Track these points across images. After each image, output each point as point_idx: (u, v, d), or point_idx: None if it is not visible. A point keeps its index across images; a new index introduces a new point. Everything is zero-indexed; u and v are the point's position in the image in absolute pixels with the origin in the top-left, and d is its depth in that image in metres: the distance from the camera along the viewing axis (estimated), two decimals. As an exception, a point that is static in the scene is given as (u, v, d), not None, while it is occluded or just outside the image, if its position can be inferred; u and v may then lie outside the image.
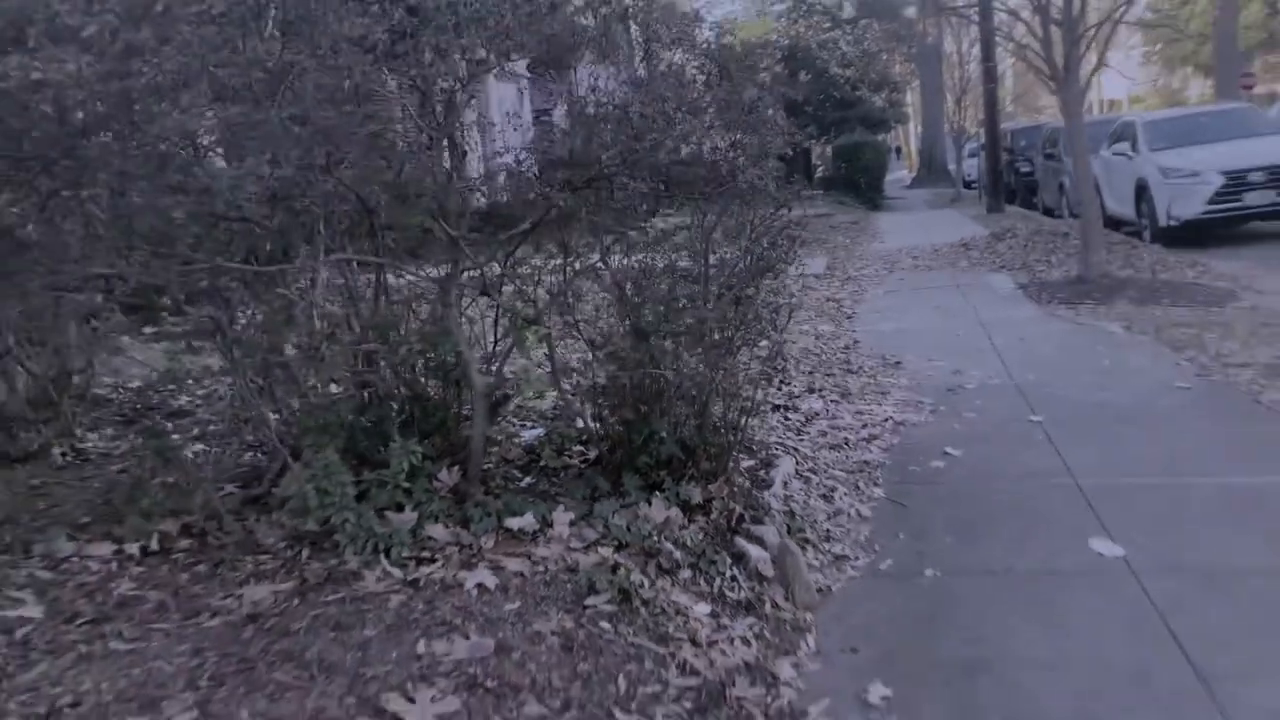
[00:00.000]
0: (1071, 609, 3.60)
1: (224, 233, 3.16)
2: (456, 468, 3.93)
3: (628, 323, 3.98)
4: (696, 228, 4.06)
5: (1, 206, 2.58)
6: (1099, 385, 6.51)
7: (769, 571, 3.80)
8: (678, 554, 3.66)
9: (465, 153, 3.89)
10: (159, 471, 3.65)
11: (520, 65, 6.34)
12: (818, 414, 6.10)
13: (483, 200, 3.79)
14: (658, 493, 3.95)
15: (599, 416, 4.30)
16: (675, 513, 3.88)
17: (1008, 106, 41.25)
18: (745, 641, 3.34)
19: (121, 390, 6.15)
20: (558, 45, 4.09)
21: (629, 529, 3.68)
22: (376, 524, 3.43)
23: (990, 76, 22.28)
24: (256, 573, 3.27)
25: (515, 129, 4.17)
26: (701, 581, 3.63)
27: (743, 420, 4.40)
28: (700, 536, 3.83)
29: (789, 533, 4.08)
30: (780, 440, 5.32)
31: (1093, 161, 14.59)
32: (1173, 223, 13.40)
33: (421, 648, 2.83)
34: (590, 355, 4.15)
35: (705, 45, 4.58)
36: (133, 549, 3.39)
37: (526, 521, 3.65)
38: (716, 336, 4.12)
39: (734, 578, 3.69)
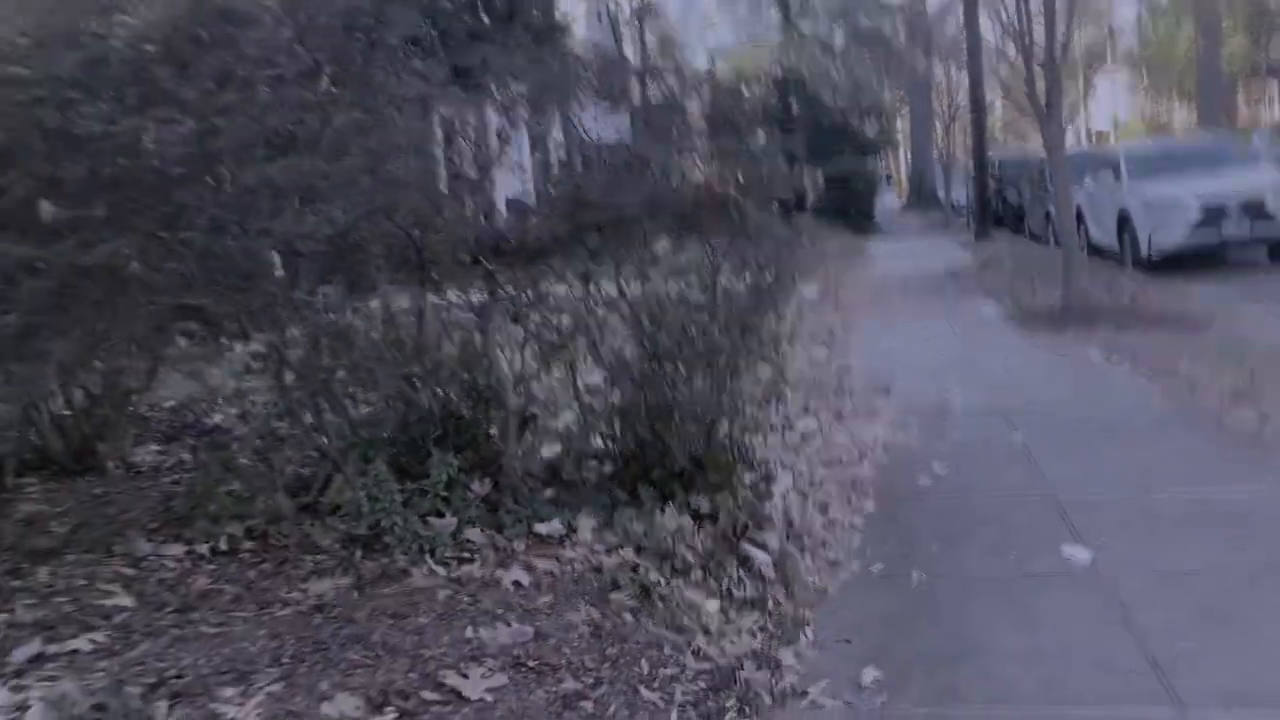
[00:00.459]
0: (1043, 607, 4.01)
1: (291, 267, 3.58)
2: (488, 479, 4.33)
3: (644, 348, 4.40)
4: (706, 262, 4.49)
5: (115, 249, 2.98)
6: (1077, 407, 6.94)
7: (771, 573, 4.21)
8: (690, 557, 4.07)
9: (493, 200, 4.32)
10: (223, 480, 4.05)
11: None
12: (813, 434, 6.52)
13: (513, 239, 4.22)
14: (670, 503, 4.36)
15: (615, 434, 4.71)
16: (686, 521, 4.29)
17: (997, 134, 41.99)
18: (751, 633, 3.75)
19: (157, 409, 6.55)
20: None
21: (646, 534, 4.10)
22: (421, 527, 3.83)
23: (978, 107, 22.84)
24: (316, 570, 3.67)
25: (545, 168, 4.61)
26: (711, 581, 4.04)
27: (745, 438, 4.82)
28: (709, 542, 4.24)
29: (788, 539, 4.50)
30: (779, 457, 5.73)
31: (1077, 191, 15.13)
32: (1153, 252, 13.85)
33: (470, 633, 3.23)
34: (609, 377, 4.57)
35: (711, 95, 5.03)
36: (203, 549, 3.79)
37: (554, 527, 4.06)
38: (723, 361, 4.54)
39: (740, 578, 4.11)
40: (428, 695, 2.87)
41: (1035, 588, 4.21)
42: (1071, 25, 11.12)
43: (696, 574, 4.03)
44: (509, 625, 3.31)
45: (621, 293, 4.52)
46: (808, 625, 3.95)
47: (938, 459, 5.99)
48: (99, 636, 3.07)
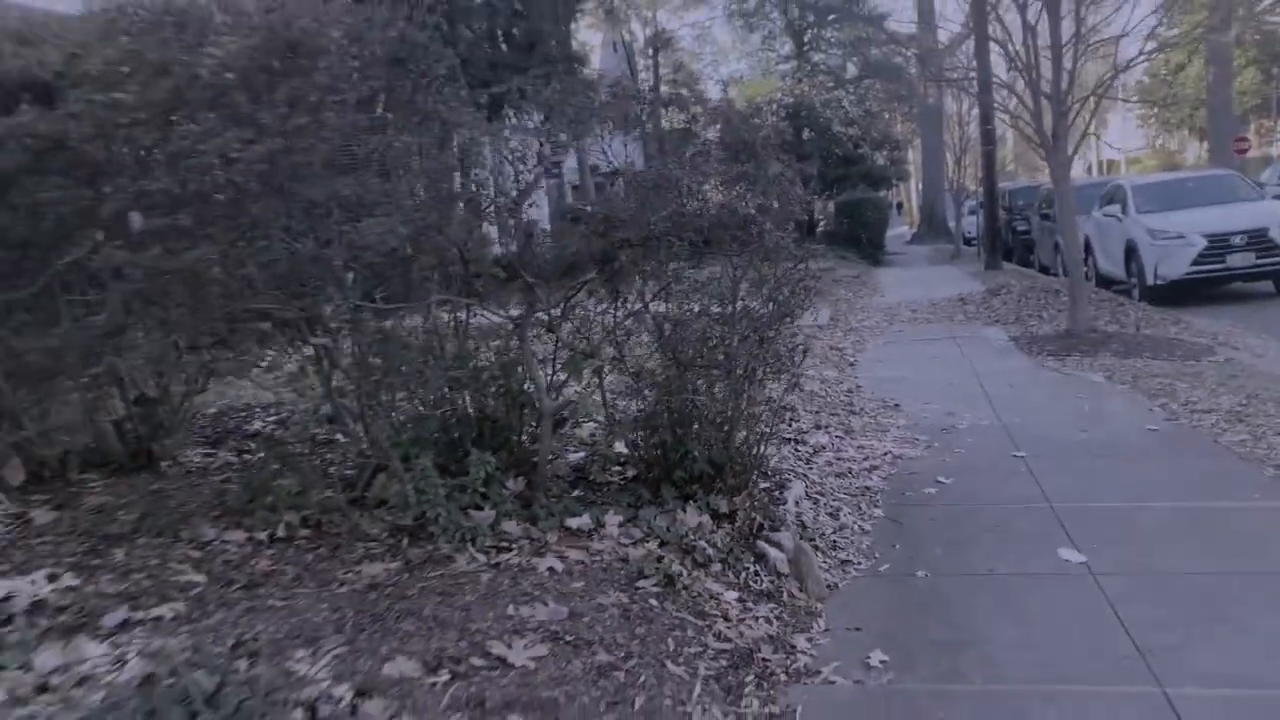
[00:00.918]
0: (1039, 602, 4.31)
1: (350, 277, 3.91)
2: (521, 478, 4.65)
3: (668, 357, 4.73)
4: (726, 278, 4.81)
5: (202, 255, 3.31)
6: (1078, 426, 7.24)
7: (785, 569, 4.51)
8: (710, 551, 4.37)
9: (533, 219, 4.66)
10: (279, 474, 4.37)
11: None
12: (824, 447, 6.83)
13: (550, 255, 4.55)
14: (691, 502, 4.67)
15: (639, 440, 5.03)
16: (706, 519, 4.59)
17: (1008, 165, 42.37)
18: (768, 620, 4.06)
19: (200, 415, 6.89)
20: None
21: (668, 530, 4.40)
22: (462, 519, 4.15)
23: (989, 139, 23.15)
24: (367, 555, 3.98)
25: (559, 190, 4.95)
26: (730, 574, 4.34)
27: (761, 445, 5.13)
28: (727, 539, 4.55)
29: (801, 539, 4.80)
30: (791, 468, 6.04)
31: (1085, 223, 15.46)
32: (1160, 282, 14.16)
33: (511, 611, 3.53)
34: (635, 385, 4.89)
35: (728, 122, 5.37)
36: (262, 535, 4.10)
37: (583, 522, 4.37)
38: (741, 371, 4.86)
39: (756, 573, 4.42)
40: (476, 661, 3.17)
41: (1033, 586, 4.50)
42: (1077, 59, 11.46)
43: (716, 567, 4.33)
44: (546, 605, 3.61)
45: (646, 306, 4.85)
46: (819, 615, 4.26)
47: (943, 472, 6.30)
48: (178, 606, 3.38)
